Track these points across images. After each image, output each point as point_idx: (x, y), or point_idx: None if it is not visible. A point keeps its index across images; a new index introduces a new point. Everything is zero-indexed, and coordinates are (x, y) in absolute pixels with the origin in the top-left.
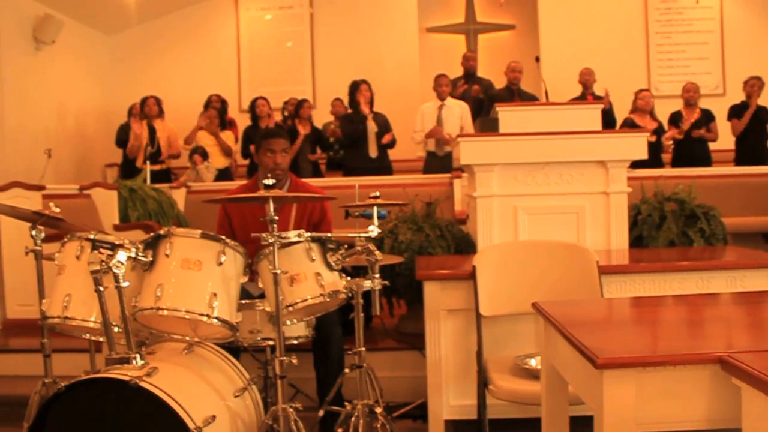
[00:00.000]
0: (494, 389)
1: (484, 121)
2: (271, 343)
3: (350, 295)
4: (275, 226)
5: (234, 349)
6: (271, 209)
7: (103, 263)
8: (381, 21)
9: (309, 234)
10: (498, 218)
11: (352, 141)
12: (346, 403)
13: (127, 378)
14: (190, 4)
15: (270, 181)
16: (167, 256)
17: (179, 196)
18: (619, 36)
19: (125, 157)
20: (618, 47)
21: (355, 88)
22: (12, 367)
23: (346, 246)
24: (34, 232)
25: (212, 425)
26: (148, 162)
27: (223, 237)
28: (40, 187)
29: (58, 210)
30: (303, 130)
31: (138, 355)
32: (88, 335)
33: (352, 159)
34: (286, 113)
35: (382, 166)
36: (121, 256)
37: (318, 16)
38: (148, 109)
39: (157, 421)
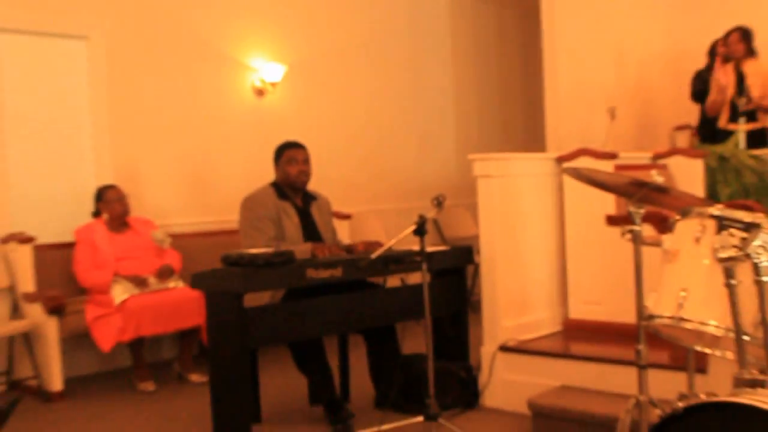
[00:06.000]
0: None
1: None
2: None
3: None
4: None
5: None
6: None
7: (738, 249)
8: None
9: None
10: None
11: None
12: None
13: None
14: None
15: None
16: None
17: None
18: None
19: (703, 115)
20: None
21: None
22: (575, 377)
23: None
24: (632, 209)
25: None
26: (742, 120)
27: None
28: (612, 155)
29: (661, 180)
30: None
31: None
32: (698, 346)
33: None
34: None
35: None
36: (763, 239)
37: None
38: (730, 48)
39: None
